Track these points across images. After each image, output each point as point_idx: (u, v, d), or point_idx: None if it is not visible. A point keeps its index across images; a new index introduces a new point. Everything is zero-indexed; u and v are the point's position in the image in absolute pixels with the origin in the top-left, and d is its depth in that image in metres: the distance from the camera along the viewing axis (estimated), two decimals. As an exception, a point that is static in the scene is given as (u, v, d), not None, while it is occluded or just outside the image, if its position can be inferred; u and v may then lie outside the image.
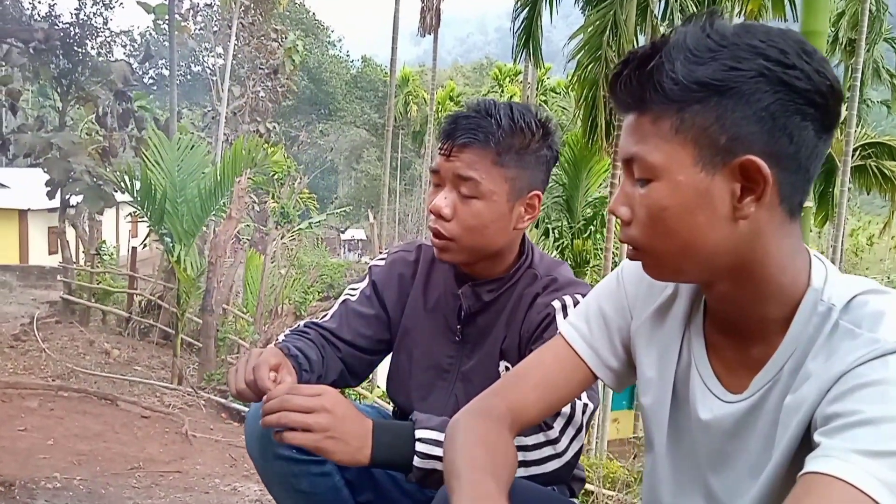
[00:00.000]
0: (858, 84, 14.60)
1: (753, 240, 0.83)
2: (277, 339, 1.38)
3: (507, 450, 0.97)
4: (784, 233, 0.84)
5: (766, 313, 0.87)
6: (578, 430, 1.23)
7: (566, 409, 1.21)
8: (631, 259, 0.93)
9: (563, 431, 1.21)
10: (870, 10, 15.38)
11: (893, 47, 21.27)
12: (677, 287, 1.01)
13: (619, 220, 0.90)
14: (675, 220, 0.83)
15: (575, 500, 1.39)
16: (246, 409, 3.69)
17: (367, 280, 1.49)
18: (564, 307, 1.29)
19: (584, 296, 1.24)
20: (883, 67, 20.79)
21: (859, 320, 0.79)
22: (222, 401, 6.11)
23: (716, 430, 0.92)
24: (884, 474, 0.68)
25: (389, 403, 1.63)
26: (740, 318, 0.90)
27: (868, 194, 18.87)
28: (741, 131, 0.79)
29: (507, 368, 1.34)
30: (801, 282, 0.86)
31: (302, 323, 1.45)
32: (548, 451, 1.21)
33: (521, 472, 1.18)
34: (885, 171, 16.37)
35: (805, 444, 0.79)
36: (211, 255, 6.63)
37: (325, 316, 1.48)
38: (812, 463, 0.72)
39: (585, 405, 1.23)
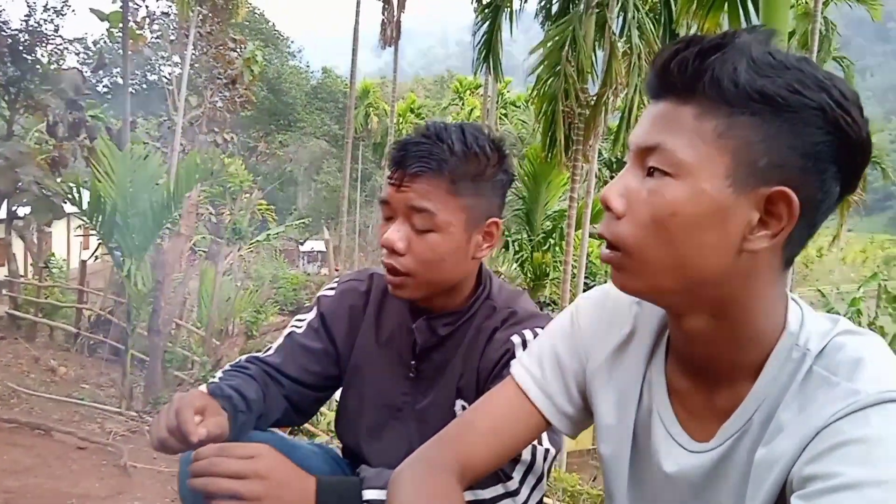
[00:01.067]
0: (809, 101, 14.96)
1: (747, 278, 0.76)
2: (212, 378, 1.28)
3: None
4: (775, 280, 0.78)
5: (740, 357, 0.80)
6: (539, 479, 1.15)
7: (526, 456, 1.12)
8: (605, 260, 0.82)
9: (522, 481, 1.13)
10: (819, 30, 15.82)
11: (842, 66, 21.97)
12: (636, 323, 0.93)
13: (604, 213, 0.81)
14: (680, 228, 0.74)
15: None
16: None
17: (314, 311, 1.39)
18: (524, 342, 1.21)
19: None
20: (832, 85, 21.44)
21: (835, 367, 0.74)
22: (169, 426, 5.84)
23: (681, 482, 0.85)
24: None
25: (334, 441, 1.54)
26: (710, 361, 0.82)
27: (818, 208, 19.37)
28: (783, 160, 0.72)
29: (463, 407, 1.26)
30: (777, 326, 0.79)
31: (243, 358, 1.35)
32: (507, 503, 1.12)
33: None
34: (835, 186, 16.80)
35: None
36: (158, 274, 6.43)
37: (268, 349, 1.37)
38: None
39: (547, 450, 1.15)
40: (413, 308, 1.33)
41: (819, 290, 21.81)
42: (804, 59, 0.75)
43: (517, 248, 14.27)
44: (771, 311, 0.79)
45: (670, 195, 0.74)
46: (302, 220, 29.47)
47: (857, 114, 0.73)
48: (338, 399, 1.43)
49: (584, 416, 1.00)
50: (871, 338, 0.77)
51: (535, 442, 1.13)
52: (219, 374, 1.30)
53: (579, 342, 0.99)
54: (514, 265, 14.42)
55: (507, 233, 14.31)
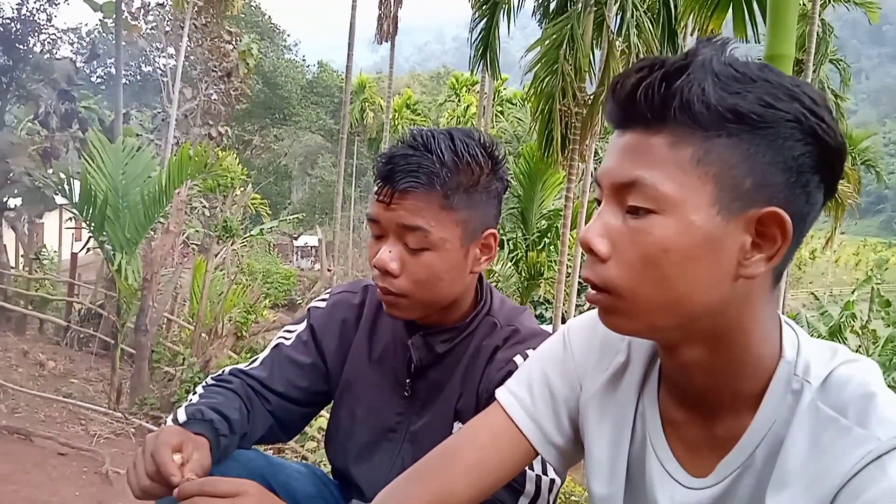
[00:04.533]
0: (806, 103, 14.97)
1: (743, 303, 0.71)
2: (193, 393, 1.20)
3: None
4: (768, 299, 0.74)
5: (738, 387, 0.75)
6: None
7: (530, 488, 1.06)
8: (593, 302, 0.77)
9: None
10: (817, 32, 15.80)
11: (838, 68, 22.01)
12: (630, 351, 0.87)
13: (586, 255, 0.75)
14: (673, 265, 0.69)
15: None
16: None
17: (304, 323, 1.32)
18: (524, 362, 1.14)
19: None
20: (828, 87, 21.46)
21: (844, 406, 0.69)
22: (154, 428, 5.73)
23: None
24: None
25: (323, 463, 1.47)
26: (707, 391, 0.77)
27: (812, 210, 19.43)
28: (767, 178, 0.68)
29: None
30: (774, 351, 0.75)
31: (227, 370, 1.27)
32: None
33: None
34: (830, 189, 16.82)
35: None
36: (146, 271, 6.33)
37: (254, 361, 1.30)
38: None
39: (552, 481, 1.07)
40: (409, 323, 1.26)
41: (812, 293, 21.86)
42: (765, 67, 0.70)
43: (512, 247, 14.21)
44: (767, 334, 0.75)
45: (658, 233, 0.70)
46: (296, 215, 29.35)
47: (830, 118, 0.70)
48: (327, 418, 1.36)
49: (574, 448, 0.94)
50: (870, 367, 0.73)
51: (540, 472, 1.07)
52: (199, 389, 1.23)
53: (572, 369, 0.93)
54: (509, 264, 14.36)
55: (501, 231, 14.25)
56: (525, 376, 0.95)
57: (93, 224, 6.65)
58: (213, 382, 1.24)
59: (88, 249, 12.87)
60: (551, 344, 0.96)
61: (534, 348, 1.13)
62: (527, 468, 1.03)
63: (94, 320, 10.21)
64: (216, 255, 10.62)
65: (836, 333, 15.93)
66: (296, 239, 35.54)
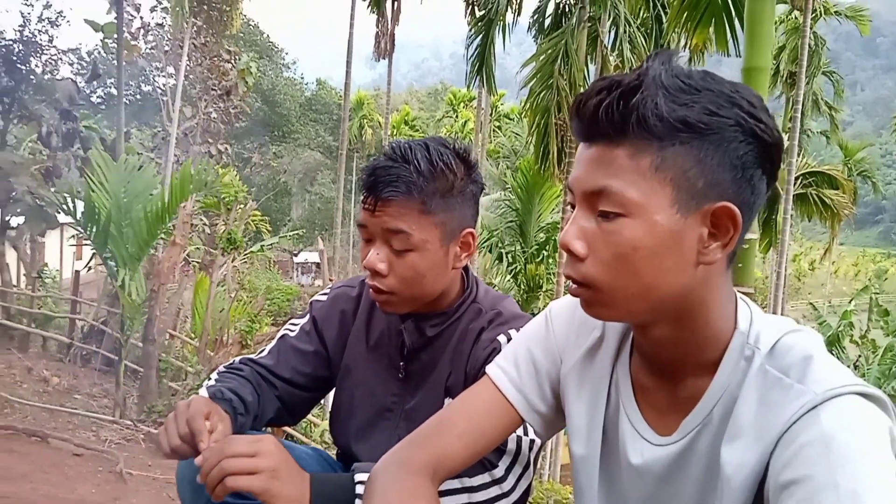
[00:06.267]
0: (799, 115, 15.14)
1: (703, 284, 0.83)
2: (210, 379, 1.32)
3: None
4: (725, 279, 0.85)
5: (700, 356, 0.87)
6: (525, 468, 1.21)
7: (512, 446, 1.18)
8: (575, 295, 0.89)
9: (508, 470, 1.19)
10: (809, 45, 15.99)
11: (831, 80, 22.18)
12: (605, 328, 1.00)
13: (566, 255, 0.87)
14: (643, 260, 0.80)
15: None
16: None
17: (307, 316, 1.45)
18: (510, 341, 1.26)
19: None
20: (822, 99, 21.65)
21: (787, 367, 0.80)
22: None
23: (647, 474, 0.91)
24: None
25: (329, 446, 1.58)
26: (673, 361, 0.89)
27: (809, 221, 19.52)
28: (717, 177, 0.79)
29: None
30: (729, 325, 0.86)
31: (237, 359, 1.39)
32: (494, 490, 1.18)
33: None
34: (825, 199, 16.96)
35: (758, 499, 0.79)
36: (153, 283, 6.44)
37: (262, 351, 1.43)
38: None
39: (532, 441, 1.20)
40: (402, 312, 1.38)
41: (811, 304, 21.91)
42: (707, 75, 0.81)
43: (510, 260, 14.30)
44: (724, 310, 0.86)
45: (628, 233, 0.80)
46: (296, 232, 29.47)
47: (767, 117, 0.81)
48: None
49: (556, 416, 1.05)
50: (813, 336, 0.84)
51: (521, 433, 1.18)
52: (214, 375, 1.35)
53: (553, 345, 1.04)
54: (508, 277, 14.45)
55: (500, 245, 14.35)
56: (512, 353, 1.06)
57: (96, 241, 6.76)
58: (226, 370, 1.36)
59: (90, 268, 12.99)
60: (535, 324, 1.09)
61: (516, 329, 1.26)
62: None
63: (97, 337, 10.28)
64: (220, 267, 10.70)
65: (834, 343, 15.97)
66: (296, 255, 35.62)
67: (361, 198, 1.30)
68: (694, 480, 0.86)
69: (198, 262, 16.52)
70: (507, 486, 1.18)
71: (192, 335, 10.26)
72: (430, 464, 0.97)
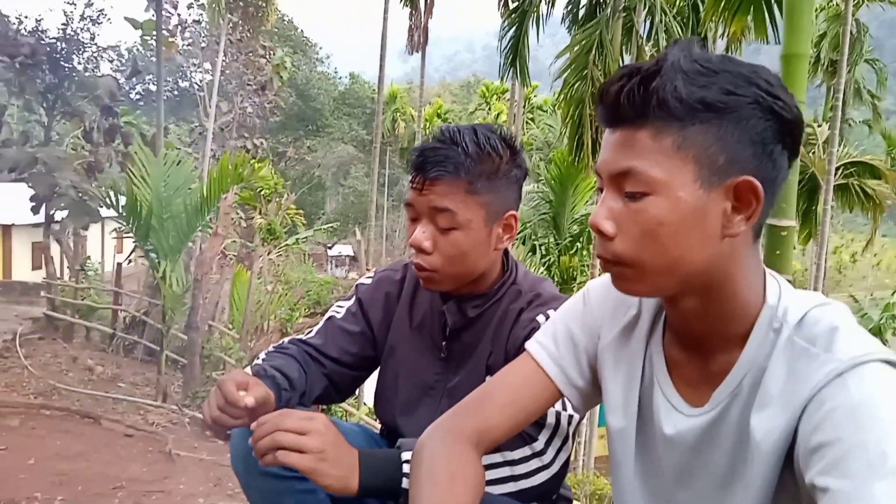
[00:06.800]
0: (840, 104, 14.80)
1: (729, 257, 0.86)
2: (257, 358, 1.38)
3: (473, 471, 0.98)
4: (751, 252, 0.88)
5: (729, 329, 0.90)
6: (564, 441, 1.24)
7: (551, 420, 1.22)
8: (608, 272, 0.93)
9: (548, 443, 1.23)
10: (851, 32, 15.63)
11: (874, 68, 21.62)
12: (640, 306, 1.04)
13: (596, 236, 0.90)
14: (669, 235, 0.84)
15: None
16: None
17: (353, 298, 1.51)
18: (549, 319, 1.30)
19: None
20: (864, 88, 21.14)
21: (814, 338, 0.83)
22: (208, 419, 5.99)
23: (680, 444, 0.94)
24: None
25: (376, 421, 1.64)
26: (703, 334, 0.92)
27: (850, 212, 19.08)
28: (737, 153, 0.82)
29: None
30: (758, 299, 0.89)
31: (286, 340, 1.45)
32: (535, 463, 1.22)
33: (511, 486, 1.20)
34: (867, 190, 16.57)
35: (788, 465, 0.82)
36: (196, 272, 6.59)
37: (309, 332, 1.49)
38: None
39: (571, 416, 1.24)
40: (444, 293, 1.43)
41: (853, 297, 21.46)
42: (726, 59, 0.84)
43: (544, 252, 14.26)
44: (752, 283, 0.89)
45: (653, 210, 0.84)
46: (330, 225, 29.75)
47: (785, 94, 0.83)
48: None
49: (593, 390, 1.09)
50: (840, 308, 0.87)
51: (560, 407, 1.22)
52: (262, 355, 1.40)
53: (591, 321, 1.08)
54: (542, 269, 14.42)
55: (534, 236, 14.33)
56: (551, 329, 1.11)
57: (138, 234, 6.93)
58: (273, 350, 1.42)
59: (130, 260, 13.27)
60: (573, 302, 1.13)
61: (554, 309, 1.29)
62: None
63: (139, 327, 10.55)
64: (260, 258, 10.88)
65: (876, 334, 15.63)
66: (330, 248, 35.97)
67: (410, 178, 1.35)
68: (725, 449, 0.90)
69: (234, 255, 16.79)
70: (547, 458, 1.22)
71: (230, 326, 10.44)
72: (474, 433, 1.01)
